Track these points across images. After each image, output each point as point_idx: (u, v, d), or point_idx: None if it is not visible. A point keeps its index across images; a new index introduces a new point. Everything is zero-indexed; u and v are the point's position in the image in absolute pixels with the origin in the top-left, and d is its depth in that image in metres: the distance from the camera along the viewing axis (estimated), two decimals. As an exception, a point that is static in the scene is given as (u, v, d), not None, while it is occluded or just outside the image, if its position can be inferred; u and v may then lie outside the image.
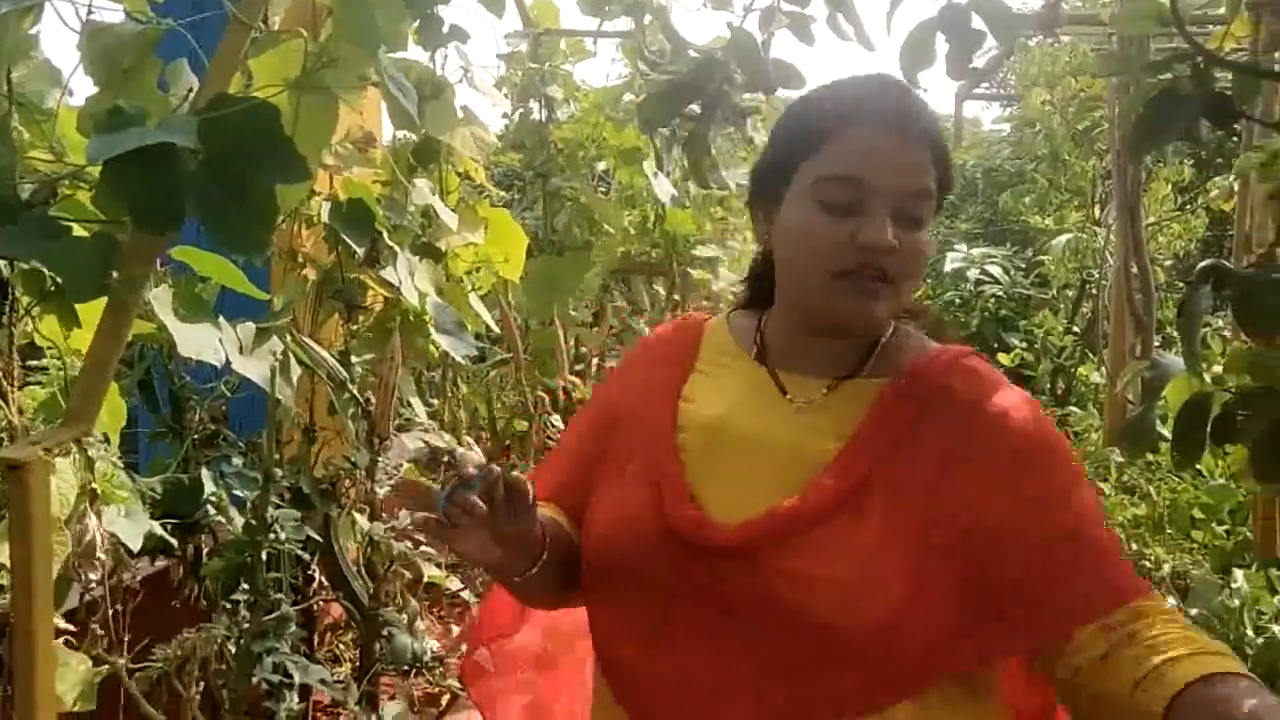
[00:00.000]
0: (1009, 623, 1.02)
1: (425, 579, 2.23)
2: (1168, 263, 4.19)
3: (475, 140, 2.66)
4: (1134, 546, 2.52)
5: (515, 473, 1.02)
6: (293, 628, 1.39)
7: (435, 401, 3.00)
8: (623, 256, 4.03)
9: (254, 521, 1.37)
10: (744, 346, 1.18)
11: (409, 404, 2.49)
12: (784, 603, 1.02)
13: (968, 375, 1.08)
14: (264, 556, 1.37)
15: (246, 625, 1.34)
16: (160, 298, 1.60)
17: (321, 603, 2.31)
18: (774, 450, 1.09)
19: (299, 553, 1.44)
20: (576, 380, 3.22)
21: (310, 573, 2.32)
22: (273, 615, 1.37)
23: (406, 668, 2.10)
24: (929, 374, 1.09)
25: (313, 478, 2.21)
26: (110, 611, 1.52)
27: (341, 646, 2.69)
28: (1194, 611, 2.14)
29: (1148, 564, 2.42)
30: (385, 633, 2.07)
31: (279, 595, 1.39)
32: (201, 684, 1.40)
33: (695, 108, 1.81)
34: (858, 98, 1.09)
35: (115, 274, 1.08)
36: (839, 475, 1.05)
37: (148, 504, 1.75)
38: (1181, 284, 5.29)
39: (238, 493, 1.87)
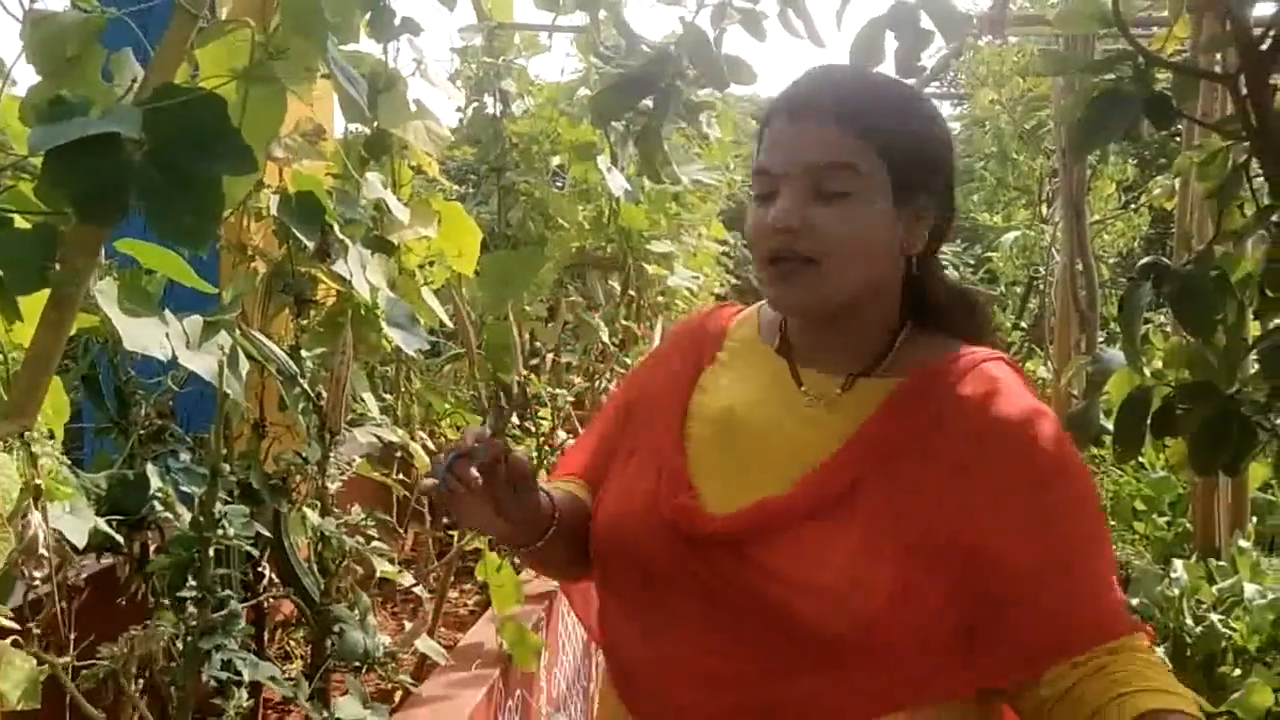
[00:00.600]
0: (987, 647, 1.00)
1: (378, 575, 2.22)
2: (1112, 260, 4.27)
3: (428, 134, 2.64)
4: (1078, 538, 2.57)
5: (514, 453, 1.05)
6: (241, 624, 1.37)
7: (388, 396, 2.98)
8: (577, 251, 4.02)
9: (201, 518, 1.36)
10: (768, 339, 1.18)
11: (361, 399, 2.47)
12: (767, 599, 1.01)
13: (986, 382, 1.06)
14: (212, 553, 1.36)
15: (194, 622, 1.33)
16: (105, 291, 1.57)
17: (272, 599, 2.29)
18: (778, 444, 1.09)
19: (249, 549, 1.42)
20: (531, 375, 3.22)
21: (260, 569, 2.30)
22: (221, 612, 1.36)
23: (358, 664, 2.09)
24: (944, 377, 1.07)
25: (263, 473, 2.19)
26: (57, 609, 1.50)
27: (293, 643, 2.67)
28: (1135, 601, 2.18)
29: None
30: (336, 629, 2.05)
31: (227, 592, 1.38)
32: (146, 682, 1.38)
33: (648, 102, 1.82)
34: (782, 93, 1.12)
35: (57, 266, 1.06)
36: (832, 474, 1.04)
37: (93, 500, 1.73)
38: (1125, 280, 5.39)
39: (185, 489, 1.85)
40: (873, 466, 1.04)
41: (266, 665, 1.39)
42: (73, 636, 1.61)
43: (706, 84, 1.78)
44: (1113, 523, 2.61)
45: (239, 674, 1.35)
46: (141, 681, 1.40)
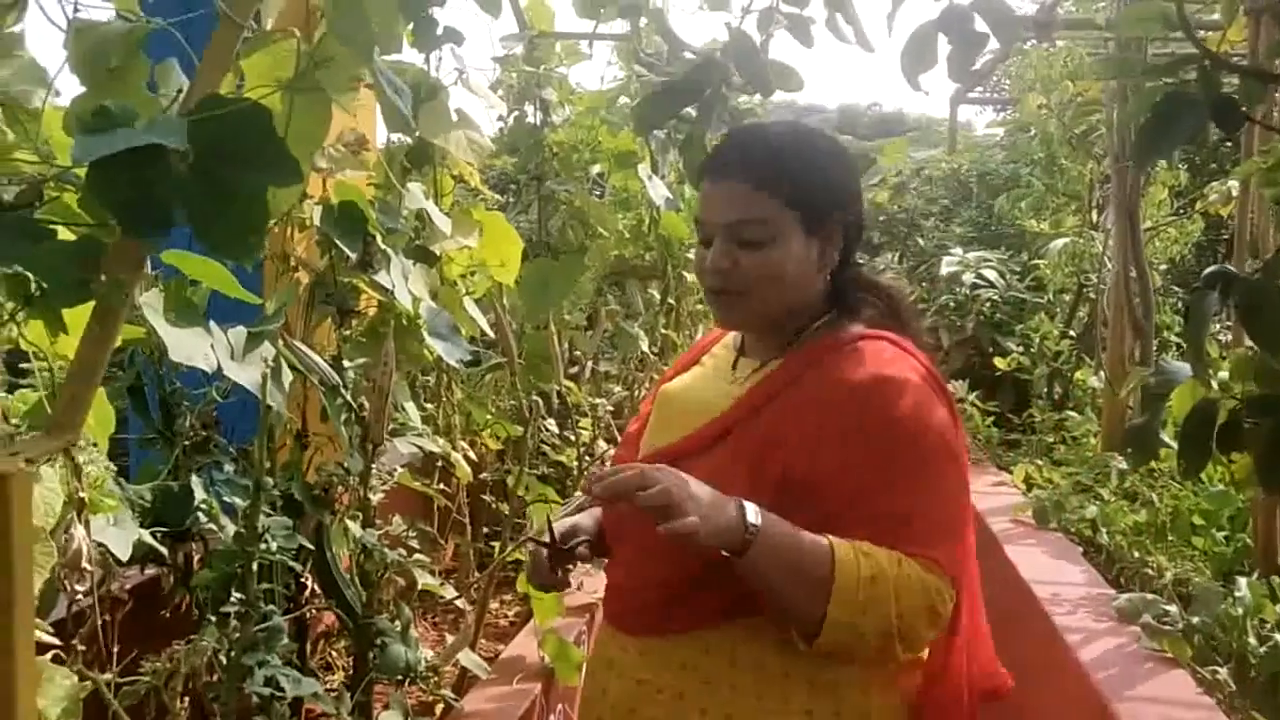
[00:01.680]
0: None
1: (419, 587, 2.20)
2: (1163, 268, 4.16)
3: (470, 143, 2.63)
4: (1135, 554, 2.50)
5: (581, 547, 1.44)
6: (284, 639, 1.35)
7: (430, 406, 2.96)
8: (617, 260, 4.00)
9: (244, 531, 1.34)
10: (737, 344, 1.49)
11: (403, 409, 2.46)
12: (643, 523, 1.23)
13: (848, 355, 1.31)
14: (255, 567, 1.34)
15: (237, 637, 1.31)
16: (151, 302, 1.57)
17: (314, 611, 2.28)
18: (696, 411, 1.39)
19: (290, 562, 1.40)
20: (571, 384, 3.19)
21: (303, 580, 2.28)
22: (263, 626, 1.34)
23: (400, 677, 2.07)
24: (813, 353, 1.34)
25: (305, 484, 2.17)
26: (99, 623, 1.49)
27: (334, 654, 2.66)
28: (1196, 619, 2.11)
29: (1150, 571, 2.39)
30: (378, 642, 2.03)
31: (270, 606, 1.36)
32: (190, 697, 1.36)
33: (692, 110, 1.79)
34: (709, 155, 1.43)
35: (101, 278, 1.05)
36: (711, 425, 1.35)
37: (137, 512, 1.72)
38: (1178, 289, 5.28)
39: (229, 500, 1.84)
40: (741, 418, 1.33)
41: (309, 681, 1.36)
42: (116, 649, 1.61)
43: (752, 91, 1.74)
44: (1170, 538, 2.54)
45: (281, 690, 1.33)
46: (185, 697, 1.39)
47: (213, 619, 1.27)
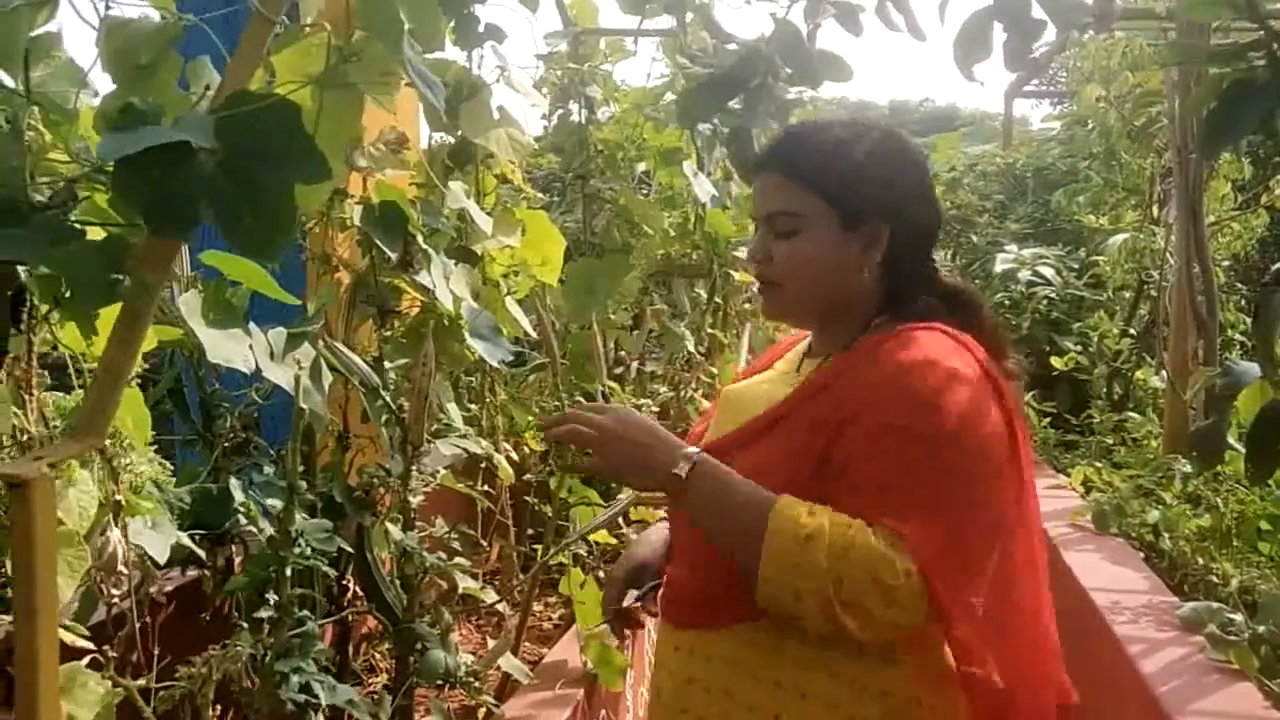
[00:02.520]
0: None
1: (460, 590, 2.17)
2: (1226, 264, 4.03)
3: (511, 141, 2.60)
4: (1199, 560, 2.41)
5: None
6: (320, 645, 1.33)
7: (473, 407, 2.94)
8: (663, 259, 3.95)
9: (278, 534, 1.32)
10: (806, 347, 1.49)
11: (445, 410, 2.44)
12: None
13: (900, 342, 1.29)
14: (289, 572, 1.32)
15: (271, 642, 1.28)
16: (189, 303, 1.56)
17: (355, 615, 2.26)
18: (751, 407, 1.39)
19: (327, 566, 1.38)
20: (615, 385, 3.15)
21: (344, 583, 2.27)
22: (298, 632, 1.31)
23: (440, 683, 2.04)
24: (862, 348, 1.32)
25: (346, 486, 2.16)
26: (135, 627, 1.48)
27: (378, 656, 2.65)
28: (1262, 629, 2.02)
29: (1214, 579, 2.30)
30: (419, 646, 2.01)
31: (304, 612, 1.34)
32: (220, 706, 1.34)
33: (737, 103, 1.74)
34: (760, 151, 1.50)
35: (129, 279, 1.03)
36: (762, 417, 1.35)
37: (175, 515, 1.71)
38: (1242, 286, 5.12)
39: (270, 502, 1.83)
40: (789, 411, 1.33)
41: (344, 689, 1.34)
42: (155, 653, 1.60)
43: (799, 82, 1.69)
44: (1235, 543, 2.45)
45: (315, 696, 1.31)
46: (219, 705, 1.37)
47: (244, 625, 1.24)
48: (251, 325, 1.61)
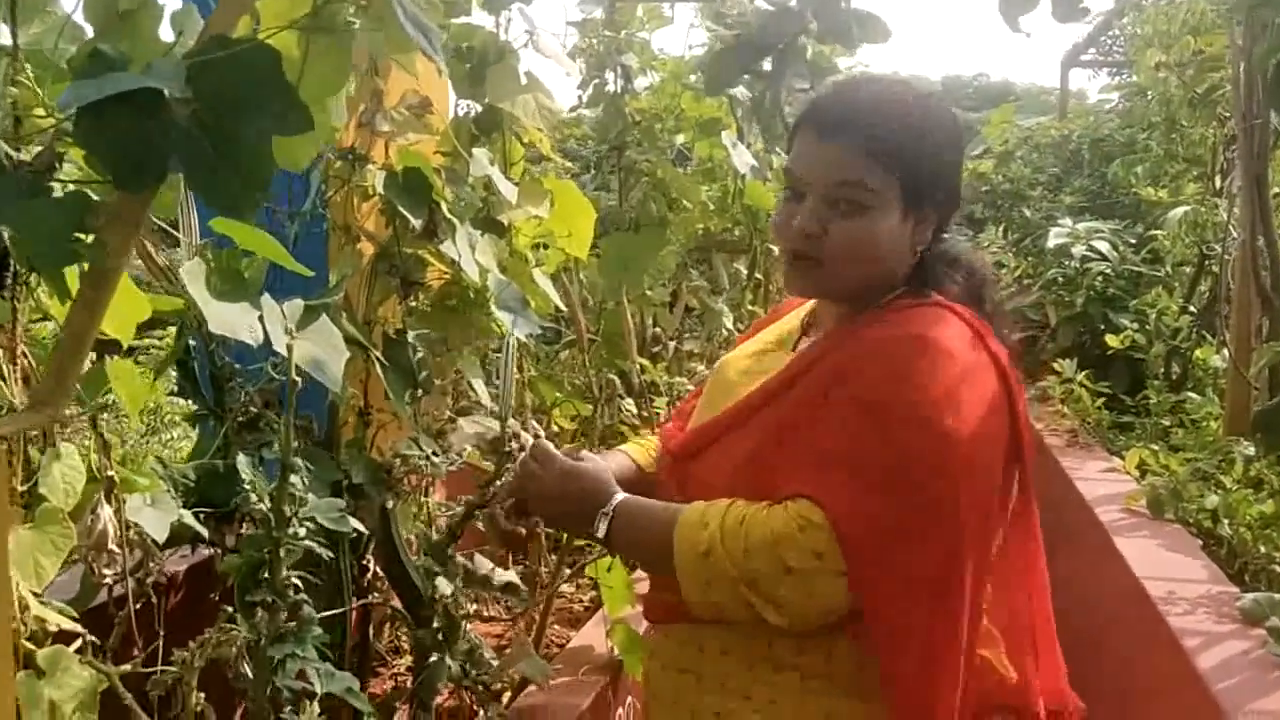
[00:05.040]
0: None
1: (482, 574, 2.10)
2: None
3: (540, 109, 2.51)
4: (1261, 548, 2.27)
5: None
6: (317, 631, 1.26)
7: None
8: (701, 234, 3.85)
9: (272, 515, 1.25)
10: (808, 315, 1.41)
11: (472, 387, 2.36)
12: (689, 500, 1.24)
13: (894, 316, 1.22)
14: (283, 553, 1.25)
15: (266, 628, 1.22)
16: (192, 271, 1.49)
17: (377, 596, 2.21)
18: (745, 384, 1.31)
19: (330, 549, 1.32)
20: (646, 362, 3.06)
21: (365, 564, 2.21)
22: (296, 616, 1.25)
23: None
24: (855, 326, 1.25)
25: (371, 463, 2.10)
26: (134, 608, 1.42)
27: (403, 637, 2.59)
28: (1332, 624, 1.89)
29: (1277, 568, 2.17)
30: (439, 635, 1.95)
31: (300, 595, 1.27)
32: (220, 692, 1.28)
33: (767, 66, 1.63)
34: (815, 105, 1.31)
35: (95, 239, 0.96)
36: (749, 399, 1.27)
37: (179, 492, 1.65)
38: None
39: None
40: (778, 389, 1.25)
41: (343, 676, 1.27)
42: (162, 634, 1.55)
43: (832, 41, 1.58)
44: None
45: (312, 684, 1.24)
46: (219, 691, 1.30)
47: (229, 609, 1.18)
48: (266, 297, 1.55)
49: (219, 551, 1.76)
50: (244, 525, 1.78)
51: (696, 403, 1.48)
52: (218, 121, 0.96)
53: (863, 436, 1.14)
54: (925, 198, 1.24)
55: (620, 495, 1.25)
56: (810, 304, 1.41)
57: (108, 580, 1.34)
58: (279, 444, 1.28)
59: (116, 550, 1.34)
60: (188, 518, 1.55)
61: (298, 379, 1.27)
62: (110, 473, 1.34)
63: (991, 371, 1.20)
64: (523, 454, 1.36)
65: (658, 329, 3.63)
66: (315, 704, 1.24)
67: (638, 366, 2.89)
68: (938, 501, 1.13)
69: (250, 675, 1.24)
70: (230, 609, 1.15)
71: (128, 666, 1.18)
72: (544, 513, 1.33)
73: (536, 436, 1.57)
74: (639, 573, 2.26)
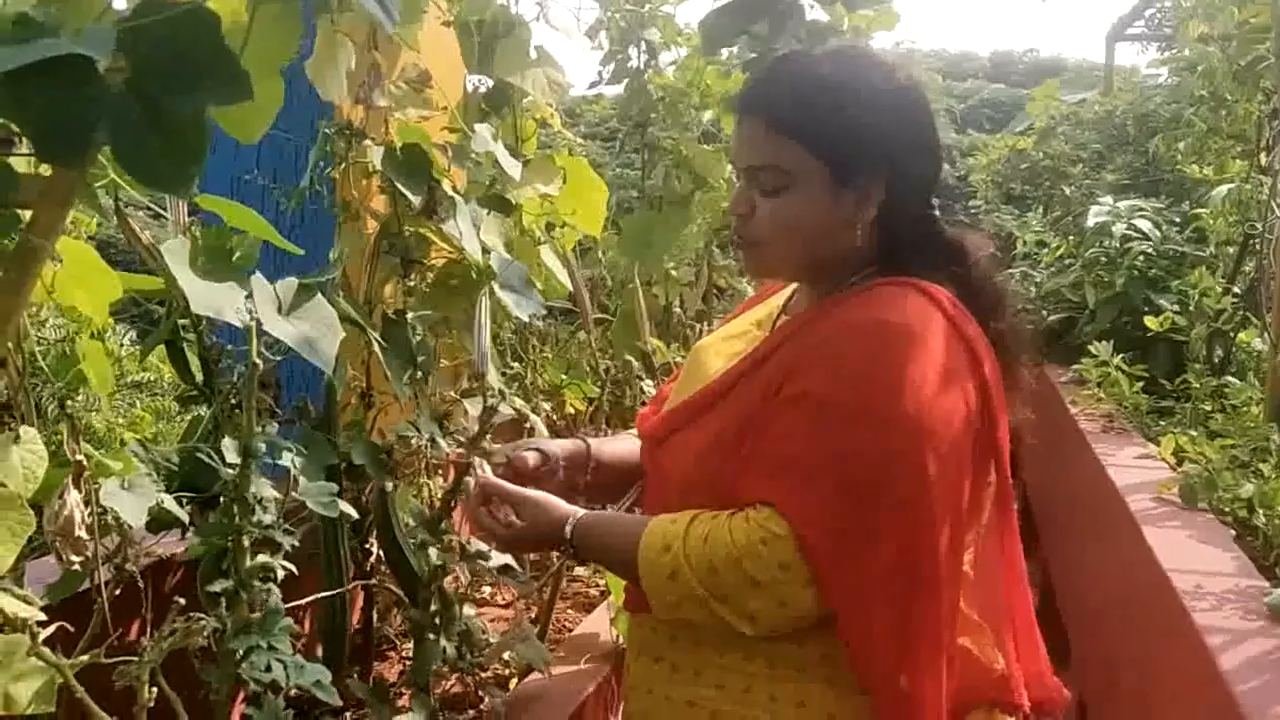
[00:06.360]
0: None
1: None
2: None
3: (550, 83, 2.45)
4: (1299, 543, 2.16)
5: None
6: (284, 622, 1.22)
7: (516, 365, 2.82)
8: (727, 213, 3.77)
9: (233, 501, 1.21)
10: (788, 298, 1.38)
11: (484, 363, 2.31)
12: (658, 489, 1.29)
13: (859, 298, 1.19)
14: (247, 542, 1.21)
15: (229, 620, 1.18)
16: (174, 250, 1.46)
17: (380, 579, 2.18)
18: (711, 369, 1.29)
19: (279, 537, 1.27)
20: (659, 344, 3.00)
21: (368, 547, 2.18)
22: (261, 608, 1.21)
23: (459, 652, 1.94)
24: (818, 309, 1.23)
25: (371, 445, 2.06)
26: (104, 596, 1.39)
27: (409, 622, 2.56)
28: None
29: (1314, 564, 2.07)
30: (437, 620, 1.91)
31: (267, 585, 1.23)
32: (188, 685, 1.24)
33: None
34: (742, 88, 1.32)
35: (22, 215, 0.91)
36: (716, 384, 1.25)
37: (162, 476, 1.62)
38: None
39: (280, 463, 1.73)
40: (745, 372, 1.23)
41: (313, 668, 1.23)
42: (149, 618, 1.52)
43: (832, 2, 1.50)
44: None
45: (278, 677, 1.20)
46: (187, 681, 1.27)
47: (182, 601, 1.13)
48: (257, 276, 1.51)
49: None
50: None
51: (669, 390, 1.45)
52: (151, 90, 0.91)
53: (816, 437, 1.12)
54: (855, 170, 1.20)
55: (573, 520, 1.24)
56: (792, 286, 1.38)
57: (75, 567, 1.31)
58: (244, 426, 1.22)
59: (85, 537, 1.30)
60: (169, 502, 1.52)
61: (258, 361, 1.22)
62: (78, 457, 1.31)
63: (958, 353, 1.15)
64: (473, 496, 1.37)
65: (681, 309, 3.57)
66: (280, 698, 1.19)
67: (651, 347, 2.83)
68: (898, 497, 1.10)
69: (213, 668, 1.20)
70: (182, 600, 1.10)
71: (85, 658, 1.14)
72: (521, 545, 1.39)
73: (483, 470, 1.53)
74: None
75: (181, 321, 1.80)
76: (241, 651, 1.18)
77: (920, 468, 1.09)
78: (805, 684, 1.19)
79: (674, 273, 3.62)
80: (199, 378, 1.80)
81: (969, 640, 1.24)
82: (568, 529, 1.24)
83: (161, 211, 1.81)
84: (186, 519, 1.52)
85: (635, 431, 1.52)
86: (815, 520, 1.09)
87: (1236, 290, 4.07)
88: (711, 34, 1.56)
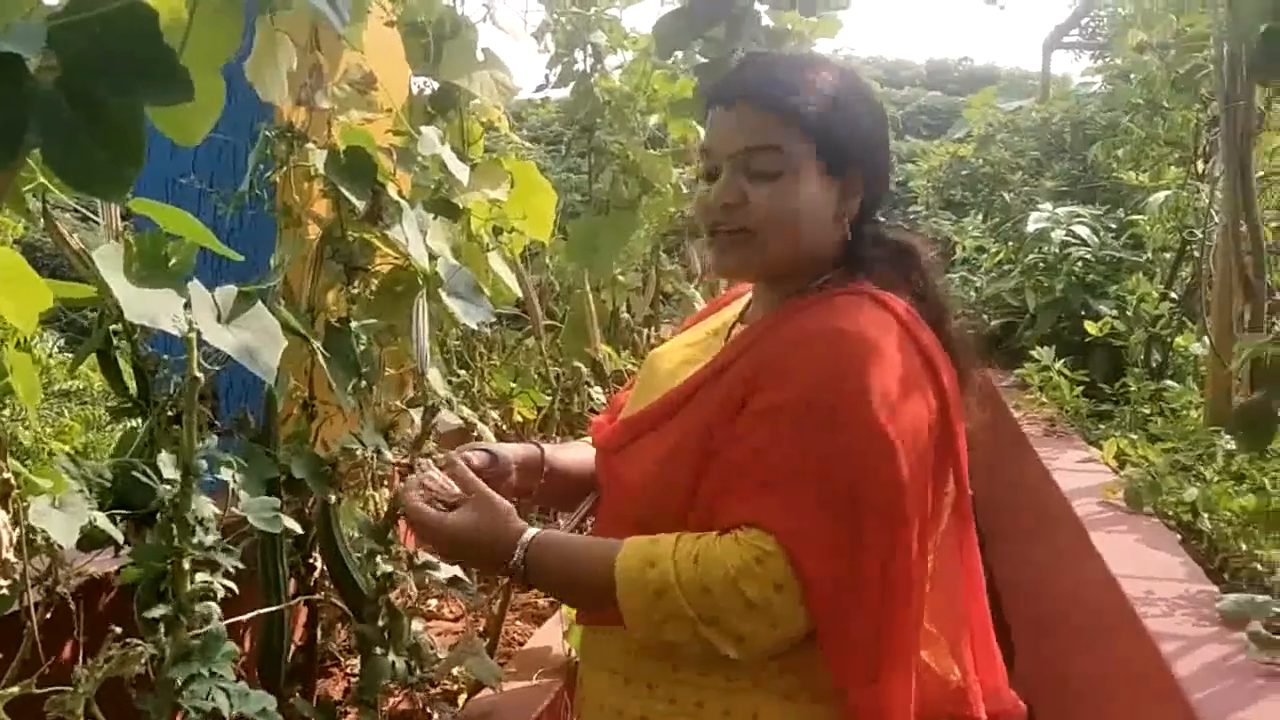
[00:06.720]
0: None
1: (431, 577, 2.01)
2: (1274, 224, 3.76)
3: (497, 86, 2.41)
4: (1243, 545, 2.19)
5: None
6: (227, 648, 1.16)
7: (463, 373, 2.77)
8: (674, 217, 3.74)
9: (172, 521, 1.15)
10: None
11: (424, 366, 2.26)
12: (614, 498, 1.27)
13: (817, 307, 1.18)
14: (187, 564, 1.15)
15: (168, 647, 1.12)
16: (107, 256, 1.40)
17: (325, 595, 2.12)
18: (671, 377, 1.27)
19: (220, 558, 1.21)
20: (610, 350, 2.97)
21: (311, 562, 2.12)
22: (203, 632, 1.15)
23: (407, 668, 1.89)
24: (782, 313, 1.21)
25: (313, 457, 2.00)
26: (35, 620, 1.32)
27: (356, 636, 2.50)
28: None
29: (1259, 566, 2.09)
30: (385, 633, 1.86)
31: (209, 606, 1.17)
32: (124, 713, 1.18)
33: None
34: (721, 80, 1.31)
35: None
36: (675, 393, 1.23)
37: (95, 493, 1.55)
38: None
39: (219, 477, 1.66)
40: (706, 381, 1.20)
41: (258, 696, 1.17)
42: (82, 641, 1.44)
43: (789, 6, 1.48)
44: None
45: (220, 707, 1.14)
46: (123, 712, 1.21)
47: (118, 629, 1.08)
48: (195, 283, 1.45)
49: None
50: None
51: (627, 396, 1.43)
52: (86, 90, 0.86)
53: (792, 447, 1.10)
54: (846, 162, 1.20)
55: (527, 536, 1.17)
56: (748, 295, 1.36)
57: (2, 590, 1.24)
58: (183, 442, 1.17)
59: (13, 559, 1.24)
60: (102, 521, 1.45)
61: (199, 375, 1.16)
62: (6, 475, 1.24)
63: (916, 362, 1.15)
64: (410, 488, 1.25)
65: (629, 315, 3.53)
66: (224, 726, 1.14)
67: (602, 354, 2.79)
68: (875, 503, 1.09)
69: (150, 696, 1.14)
70: (118, 629, 1.04)
71: (15, 689, 1.08)
72: (454, 556, 1.30)
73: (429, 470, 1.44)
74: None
75: (114, 328, 1.73)
76: (181, 680, 1.11)
77: (895, 472, 1.08)
78: (761, 697, 1.17)
79: (621, 278, 3.59)
80: (133, 389, 1.73)
81: (926, 652, 1.23)
82: (521, 543, 1.17)
83: (90, 215, 1.74)
84: (121, 537, 1.46)
85: (590, 439, 1.48)
86: (802, 531, 1.07)
87: (1173, 295, 4.15)
88: (665, 37, 1.53)
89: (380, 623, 1.93)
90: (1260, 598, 1.84)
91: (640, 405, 1.30)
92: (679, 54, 3.50)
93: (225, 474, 1.61)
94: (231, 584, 1.34)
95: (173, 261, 1.53)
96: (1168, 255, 4.32)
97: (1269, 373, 1.44)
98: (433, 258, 2.14)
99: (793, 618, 1.08)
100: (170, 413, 1.78)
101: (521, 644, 2.43)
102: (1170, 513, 2.54)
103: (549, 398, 2.61)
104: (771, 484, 1.09)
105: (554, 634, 2.24)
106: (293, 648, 2.07)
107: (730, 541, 1.09)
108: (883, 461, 1.08)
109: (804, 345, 1.14)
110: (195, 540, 1.14)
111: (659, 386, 1.28)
